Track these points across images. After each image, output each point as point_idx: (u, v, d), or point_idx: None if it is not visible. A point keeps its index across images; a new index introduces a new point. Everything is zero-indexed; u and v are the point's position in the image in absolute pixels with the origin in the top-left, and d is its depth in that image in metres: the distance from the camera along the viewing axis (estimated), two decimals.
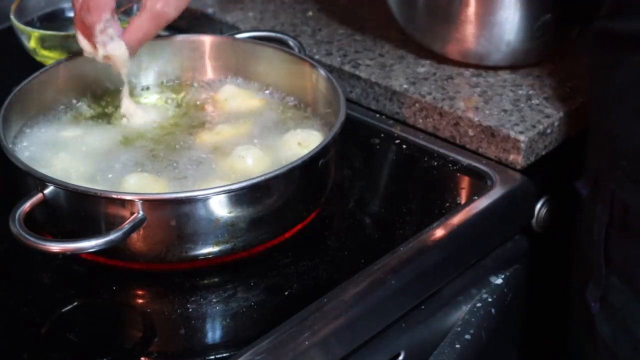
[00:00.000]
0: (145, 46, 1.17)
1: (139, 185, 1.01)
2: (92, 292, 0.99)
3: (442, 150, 1.15)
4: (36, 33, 1.25)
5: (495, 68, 1.22)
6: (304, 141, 1.06)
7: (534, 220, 1.16)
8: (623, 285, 1.03)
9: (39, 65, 1.20)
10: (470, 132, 1.15)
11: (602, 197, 1.03)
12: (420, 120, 1.19)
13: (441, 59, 1.24)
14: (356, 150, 1.16)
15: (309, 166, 0.99)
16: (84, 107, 1.15)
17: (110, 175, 1.04)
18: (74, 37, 1.25)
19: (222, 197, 0.95)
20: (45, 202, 0.96)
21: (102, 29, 1.05)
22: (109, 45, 1.06)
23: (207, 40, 1.19)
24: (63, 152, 1.07)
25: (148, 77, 1.18)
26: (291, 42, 1.18)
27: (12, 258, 1.01)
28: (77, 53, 1.12)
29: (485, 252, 1.09)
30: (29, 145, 1.08)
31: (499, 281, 1.10)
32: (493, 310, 1.08)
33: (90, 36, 1.07)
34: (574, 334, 1.15)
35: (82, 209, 0.96)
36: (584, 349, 1.12)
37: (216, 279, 0.99)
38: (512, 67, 1.22)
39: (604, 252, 1.03)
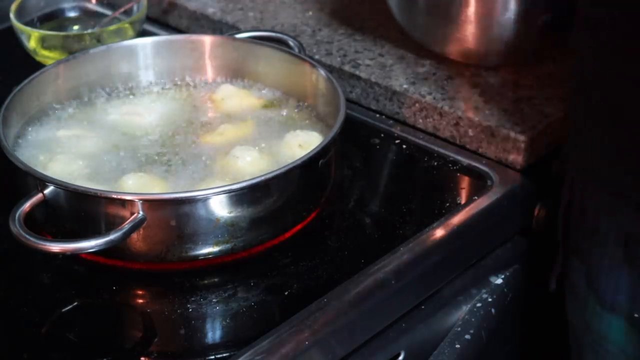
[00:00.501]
0: (145, 47, 1.18)
1: (137, 185, 1.01)
2: (92, 292, 0.99)
3: (442, 150, 1.15)
4: (36, 33, 1.25)
5: (495, 68, 1.22)
6: (304, 142, 1.06)
7: (533, 220, 1.16)
8: (580, 265, 1.03)
9: (39, 65, 1.20)
10: (470, 132, 1.15)
11: (565, 179, 1.03)
12: (420, 120, 1.18)
13: (441, 59, 1.24)
14: (356, 150, 1.16)
15: (308, 166, 0.99)
16: (84, 107, 1.15)
17: (110, 176, 1.04)
18: (74, 37, 1.26)
19: (222, 197, 0.95)
20: (45, 202, 0.96)
21: None
22: None
23: (207, 40, 1.19)
24: (63, 152, 1.07)
25: (148, 77, 1.18)
26: (291, 42, 1.18)
27: (12, 258, 1.01)
28: (77, 53, 1.12)
29: (485, 252, 1.09)
30: (29, 145, 1.08)
31: (499, 281, 1.10)
32: (493, 310, 1.08)
33: None
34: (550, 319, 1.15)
35: (82, 209, 0.96)
36: (556, 333, 1.12)
37: (216, 279, 0.99)
38: (512, 67, 1.22)
39: (562, 232, 1.04)
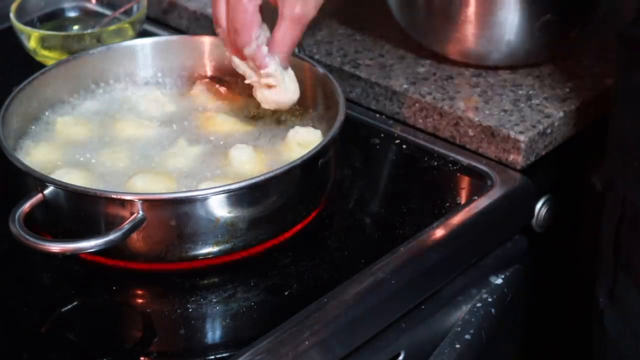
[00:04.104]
0: (145, 47, 1.18)
1: (145, 184, 1.01)
2: (92, 292, 0.99)
3: (442, 150, 1.15)
4: (36, 33, 1.25)
5: (495, 68, 1.22)
6: (304, 140, 1.06)
7: (534, 220, 1.16)
8: (629, 281, 1.03)
9: (39, 65, 1.20)
10: (470, 132, 1.15)
11: (614, 194, 1.03)
12: (420, 120, 1.18)
13: (441, 59, 1.24)
14: (356, 150, 1.16)
15: (308, 166, 0.99)
16: (85, 108, 1.15)
17: (113, 175, 1.04)
18: (74, 37, 1.26)
19: (222, 197, 0.95)
20: (45, 202, 0.96)
21: (254, 48, 1.03)
22: (266, 63, 1.03)
23: (207, 40, 1.19)
24: (62, 151, 1.07)
25: (148, 78, 1.18)
26: None
27: (12, 258, 1.01)
28: (77, 53, 1.12)
29: (485, 252, 1.09)
30: (29, 145, 1.08)
31: (499, 281, 1.10)
32: (493, 310, 1.08)
33: (245, 58, 1.05)
34: (581, 329, 1.15)
35: (81, 209, 0.96)
36: (590, 345, 1.12)
37: (216, 279, 0.99)
38: (512, 67, 1.22)
39: (613, 247, 1.03)
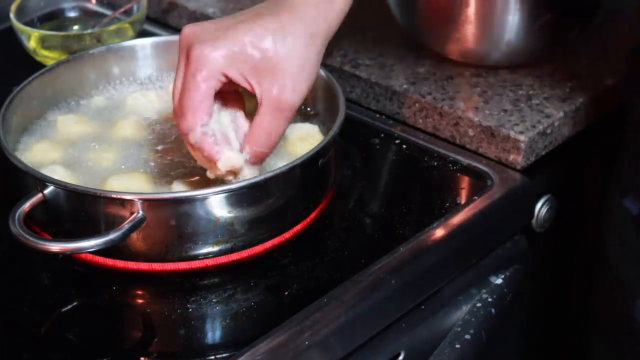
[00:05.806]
0: (145, 47, 1.18)
1: (119, 186, 1.00)
2: (92, 292, 0.99)
3: (442, 150, 1.15)
4: (36, 33, 1.25)
5: (495, 68, 1.22)
6: (305, 135, 1.06)
7: (534, 220, 1.16)
8: None
9: (39, 65, 1.20)
10: (470, 132, 1.15)
11: None
12: (420, 120, 1.18)
13: (441, 59, 1.24)
14: (356, 150, 1.16)
15: (308, 166, 0.99)
16: (84, 108, 1.15)
17: (113, 175, 1.04)
18: (73, 37, 1.26)
19: (222, 197, 0.95)
20: (45, 202, 0.96)
21: (199, 135, 0.91)
22: (224, 155, 0.92)
23: None
24: (62, 151, 1.07)
25: (148, 78, 1.18)
26: None
27: (12, 258, 1.01)
28: (77, 53, 1.12)
29: (485, 252, 1.09)
30: (29, 145, 1.08)
31: (499, 281, 1.10)
32: (493, 310, 1.08)
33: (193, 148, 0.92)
34: (580, 328, 1.13)
35: (81, 209, 0.96)
36: (591, 344, 1.11)
37: (216, 279, 0.99)
38: (512, 67, 1.22)
39: None
